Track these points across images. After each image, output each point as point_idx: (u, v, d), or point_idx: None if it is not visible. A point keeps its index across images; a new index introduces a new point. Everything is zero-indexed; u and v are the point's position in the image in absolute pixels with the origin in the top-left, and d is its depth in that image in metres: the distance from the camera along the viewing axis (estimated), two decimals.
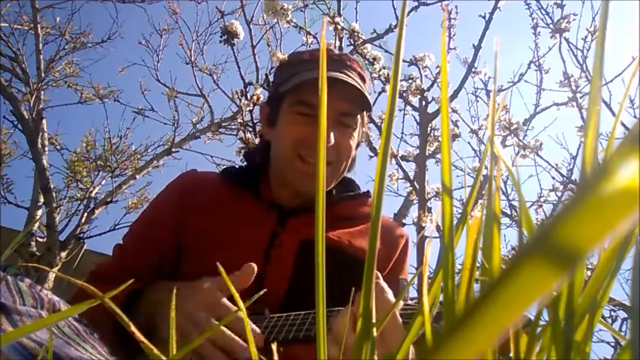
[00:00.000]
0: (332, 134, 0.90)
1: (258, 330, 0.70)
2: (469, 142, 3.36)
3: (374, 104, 2.94)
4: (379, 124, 2.95)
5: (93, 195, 4.65)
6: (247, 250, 0.89)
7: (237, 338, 0.67)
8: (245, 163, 1.10)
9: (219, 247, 0.89)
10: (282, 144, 0.94)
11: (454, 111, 3.21)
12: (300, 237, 0.90)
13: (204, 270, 0.88)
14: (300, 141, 0.91)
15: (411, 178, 3.03)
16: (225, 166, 1.25)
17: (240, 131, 3.49)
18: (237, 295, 0.28)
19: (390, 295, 0.68)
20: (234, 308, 0.70)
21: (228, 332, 0.67)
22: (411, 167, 3.25)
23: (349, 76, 0.91)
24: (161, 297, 0.76)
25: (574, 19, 2.57)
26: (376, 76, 2.69)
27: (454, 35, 2.68)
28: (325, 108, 0.24)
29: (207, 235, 0.92)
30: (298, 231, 0.91)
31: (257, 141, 1.66)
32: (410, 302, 0.74)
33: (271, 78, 1.16)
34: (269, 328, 0.73)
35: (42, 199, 4.01)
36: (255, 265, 0.72)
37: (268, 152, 0.99)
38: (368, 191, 1.04)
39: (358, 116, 0.95)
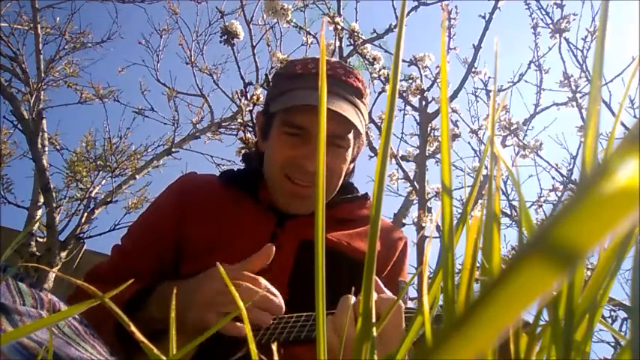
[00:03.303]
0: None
1: (280, 302, 0.71)
2: (469, 142, 3.37)
3: (374, 104, 2.94)
4: (379, 124, 2.95)
5: (93, 195, 4.65)
6: (247, 251, 0.89)
7: (268, 294, 0.70)
8: (244, 165, 1.10)
9: (218, 249, 0.89)
10: (271, 163, 0.93)
11: (454, 111, 3.21)
12: (300, 238, 0.90)
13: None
14: (287, 163, 0.90)
15: (411, 178, 3.03)
16: (223, 169, 1.25)
17: (240, 131, 3.49)
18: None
19: (388, 296, 0.69)
20: (253, 275, 0.72)
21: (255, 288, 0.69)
22: (411, 167, 3.25)
23: (343, 97, 0.90)
24: (182, 286, 0.76)
25: (574, 19, 2.57)
26: (376, 76, 2.69)
27: (454, 35, 2.68)
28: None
29: (206, 237, 0.92)
30: (297, 232, 0.91)
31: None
32: (410, 305, 0.74)
33: (270, 79, 1.16)
34: (270, 329, 0.73)
35: (42, 199, 4.01)
36: (272, 246, 0.74)
37: (262, 161, 0.99)
38: (366, 193, 1.03)
39: (351, 135, 0.93)
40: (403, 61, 2.49)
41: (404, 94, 2.87)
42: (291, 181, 0.91)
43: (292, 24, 2.27)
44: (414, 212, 3.24)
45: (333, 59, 1.06)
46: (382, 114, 3.00)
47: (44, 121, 4.06)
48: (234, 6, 4.54)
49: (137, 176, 4.76)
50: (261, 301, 0.68)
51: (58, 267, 3.69)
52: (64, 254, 3.81)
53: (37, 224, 4.19)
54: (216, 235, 0.91)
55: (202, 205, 0.96)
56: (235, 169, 1.08)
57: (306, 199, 0.92)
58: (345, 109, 0.87)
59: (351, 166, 1.02)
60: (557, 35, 2.59)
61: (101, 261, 0.99)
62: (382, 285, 0.71)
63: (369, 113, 2.89)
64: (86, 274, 0.95)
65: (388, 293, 0.71)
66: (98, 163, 5.02)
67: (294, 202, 0.93)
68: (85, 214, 4.23)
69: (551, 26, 2.62)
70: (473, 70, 2.74)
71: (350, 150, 0.95)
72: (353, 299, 0.61)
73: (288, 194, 0.92)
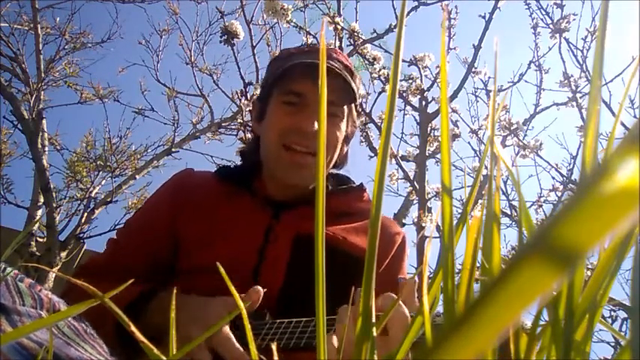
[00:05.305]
0: (315, 122, 0.90)
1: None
2: (469, 142, 3.37)
3: (374, 104, 2.94)
4: (379, 124, 2.95)
5: (93, 195, 4.65)
6: (242, 246, 0.89)
7: (239, 348, 0.67)
8: (241, 161, 1.11)
9: (214, 245, 0.89)
10: (268, 136, 0.94)
11: (454, 111, 3.21)
12: (296, 230, 0.90)
13: (201, 268, 0.88)
14: (286, 129, 0.92)
15: (411, 178, 3.03)
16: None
17: (240, 131, 3.49)
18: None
19: (405, 310, 0.68)
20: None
21: (232, 342, 0.67)
22: (411, 167, 3.25)
23: (334, 67, 0.92)
24: (185, 302, 0.76)
25: (574, 19, 2.58)
26: (376, 76, 2.69)
27: (454, 35, 2.68)
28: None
29: (202, 232, 0.92)
30: (293, 224, 0.91)
31: None
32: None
33: (266, 69, 1.20)
34: (270, 334, 0.73)
35: (42, 199, 4.01)
36: (260, 289, 0.72)
37: (259, 146, 1.00)
38: (362, 184, 1.03)
39: (345, 107, 0.96)
40: (403, 61, 2.49)
41: (404, 94, 2.87)
42: (289, 150, 0.92)
43: (292, 24, 2.27)
44: (414, 212, 3.24)
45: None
46: (382, 114, 3.00)
47: (44, 121, 4.05)
48: (234, 6, 4.55)
49: (137, 176, 4.76)
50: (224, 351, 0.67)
51: (58, 267, 3.68)
52: (64, 254, 3.81)
53: (37, 224, 4.19)
54: (212, 229, 0.92)
55: (198, 200, 0.96)
56: (231, 165, 1.09)
57: (305, 168, 0.92)
58: (339, 72, 0.90)
59: (345, 149, 1.02)
60: (557, 35, 2.60)
61: (96, 254, 0.99)
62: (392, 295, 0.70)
63: (369, 113, 2.89)
64: (80, 267, 0.95)
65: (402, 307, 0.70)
66: (98, 163, 5.01)
67: (293, 173, 0.93)
68: (85, 214, 4.23)
69: (551, 26, 2.62)
70: (473, 70, 2.74)
71: (344, 122, 0.97)
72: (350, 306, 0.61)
73: (286, 165, 0.92)
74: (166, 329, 0.25)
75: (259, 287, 0.72)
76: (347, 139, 1.01)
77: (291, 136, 0.91)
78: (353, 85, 0.93)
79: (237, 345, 0.67)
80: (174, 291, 0.29)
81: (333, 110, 0.94)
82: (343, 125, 0.97)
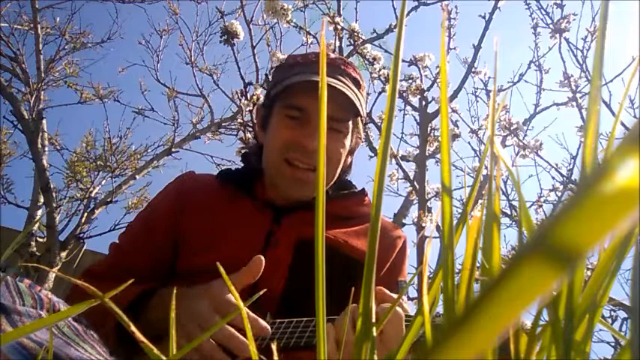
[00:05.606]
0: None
1: (265, 324, 0.69)
2: (469, 142, 3.37)
3: (374, 104, 2.94)
4: (379, 124, 2.95)
5: (93, 195, 4.65)
6: (243, 250, 0.89)
7: (238, 335, 0.66)
8: (242, 164, 1.11)
9: (215, 248, 0.89)
10: (270, 148, 0.94)
11: (454, 111, 3.21)
12: (296, 235, 0.90)
13: (201, 271, 0.88)
14: (288, 144, 0.91)
15: (411, 178, 3.03)
16: (222, 168, 1.25)
17: (240, 131, 3.49)
18: (237, 295, 0.28)
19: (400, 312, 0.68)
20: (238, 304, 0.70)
21: (230, 329, 0.66)
22: (411, 167, 3.25)
23: (342, 82, 0.90)
24: (183, 293, 0.75)
25: (574, 19, 2.58)
26: (376, 76, 2.69)
27: (454, 35, 2.68)
28: (319, 111, 0.24)
29: (202, 235, 0.92)
30: (294, 229, 0.91)
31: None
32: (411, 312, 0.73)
33: (270, 73, 1.18)
34: (270, 334, 0.73)
35: (42, 199, 4.01)
36: (262, 258, 0.72)
37: (262, 154, 1.00)
38: (363, 189, 1.03)
39: (350, 122, 0.95)
40: (403, 61, 2.49)
41: (404, 94, 2.87)
42: (290, 165, 0.91)
43: (292, 24, 2.27)
44: (414, 212, 3.24)
45: (333, 54, 1.07)
46: (382, 114, 3.00)
47: (44, 121, 4.06)
48: (234, 6, 4.55)
49: (137, 176, 4.76)
50: (224, 340, 0.66)
51: (58, 267, 3.69)
52: (64, 254, 3.81)
53: (37, 224, 4.19)
54: (212, 232, 0.92)
55: (199, 203, 0.96)
56: (233, 168, 1.09)
57: (306, 184, 0.92)
58: (346, 91, 0.89)
59: (349, 160, 1.02)
60: (557, 35, 2.59)
61: (98, 259, 0.99)
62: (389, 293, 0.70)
63: (369, 113, 2.89)
64: (83, 272, 0.95)
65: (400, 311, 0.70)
66: (98, 163, 5.02)
67: (295, 187, 0.92)
68: (85, 214, 4.23)
69: (551, 26, 2.62)
70: (473, 70, 2.74)
71: (348, 137, 0.96)
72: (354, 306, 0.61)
73: (288, 179, 0.92)
74: (167, 326, 0.25)
75: (260, 257, 0.72)
76: (351, 152, 1.01)
77: (292, 151, 0.91)
78: (357, 100, 0.91)
79: (238, 334, 0.67)
80: (174, 290, 0.29)
81: (336, 125, 0.92)
82: (347, 141, 0.95)
